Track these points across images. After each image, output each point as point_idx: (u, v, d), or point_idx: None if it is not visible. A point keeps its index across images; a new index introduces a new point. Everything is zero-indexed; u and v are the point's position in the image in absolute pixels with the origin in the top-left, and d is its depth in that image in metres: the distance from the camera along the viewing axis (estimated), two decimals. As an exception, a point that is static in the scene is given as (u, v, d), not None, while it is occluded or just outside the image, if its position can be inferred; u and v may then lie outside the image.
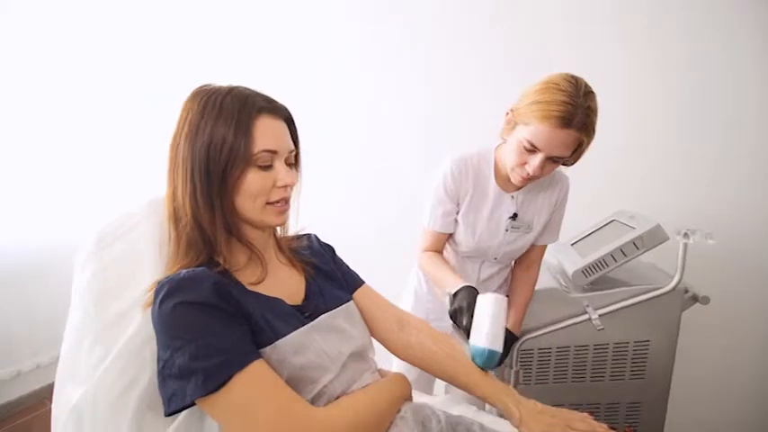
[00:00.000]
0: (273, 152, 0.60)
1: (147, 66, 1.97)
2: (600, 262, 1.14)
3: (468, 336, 0.76)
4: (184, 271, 0.56)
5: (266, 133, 0.60)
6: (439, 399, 0.94)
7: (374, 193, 1.77)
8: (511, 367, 1.21)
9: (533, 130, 0.83)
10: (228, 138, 0.58)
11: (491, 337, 0.72)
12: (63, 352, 0.65)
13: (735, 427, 1.44)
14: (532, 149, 0.86)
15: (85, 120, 2.02)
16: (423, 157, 1.67)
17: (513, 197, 1.02)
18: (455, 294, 0.85)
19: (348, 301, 0.73)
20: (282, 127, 0.63)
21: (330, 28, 1.72)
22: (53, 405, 0.63)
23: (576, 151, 0.88)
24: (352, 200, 1.79)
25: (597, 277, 1.16)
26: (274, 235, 0.72)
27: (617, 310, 1.13)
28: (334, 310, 0.68)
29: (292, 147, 0.64)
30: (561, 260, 1.35)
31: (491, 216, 1.03)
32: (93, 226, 0.71)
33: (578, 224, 1.41)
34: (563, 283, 1.25)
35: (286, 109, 0.65)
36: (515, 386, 1.23)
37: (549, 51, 1.50)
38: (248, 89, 0.62)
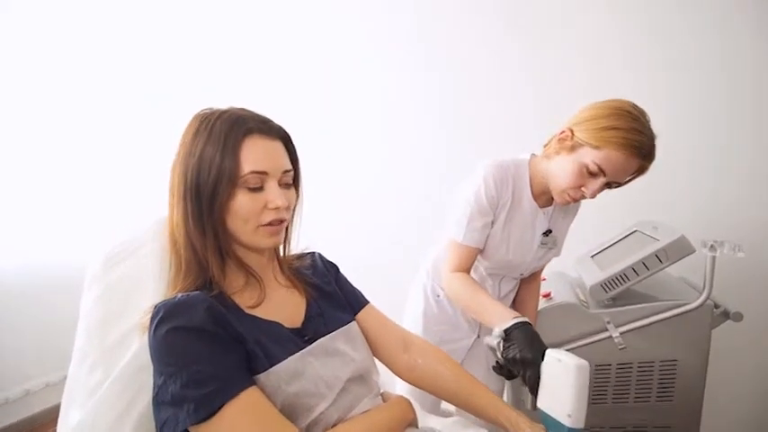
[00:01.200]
0: (263, 173, 0.60)
1: (152, 78, 1.97)
2: (621, 276, 1.08)
3: (530, 391, 0.71)
4: (180, 295, 0.56)
5: (254, 154, 0.59)
6: (449, 420, 0.90)
7: (376, 205, 1.74)
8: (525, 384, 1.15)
9: (606, 155, 0.81)
10: (215, 160, 0.57)
11: (577, 415, 0.63)
12: (69, 374, 0.66)
13: None
14: (597, 174, 0.84)
15: (95, 137, 2.01)
16: (428, 169, 1.66)
17: (545, 213, 0.99)
18: (508, 331, 0.78)
19: (350, 322, 0.71)
20: (276, 147, 0.62)
21: (332, 31, 1.72)
22: (58, 427, 0.64)
23: (631, 178, 0.87)
24: (350, 213, 1.76)
25: (618, 292, 1.09)
26: (276, 255, 0.72)
27: (640, 327, 1.07)
28: (333, 333, 0.67)
29: (287, 167, 0.63)
30: (581, 273, 1.29)
31: (526, 230, 0.98)
32: (102, 245, 0.73)
33: (599, 235, 1.35)
34: (582, 298, 1.19)
35: (282, 129, 0.64)
36: (534, 409, 1.17)
37: (557, 53, 1.47)
38: (244, 110, 0.62)
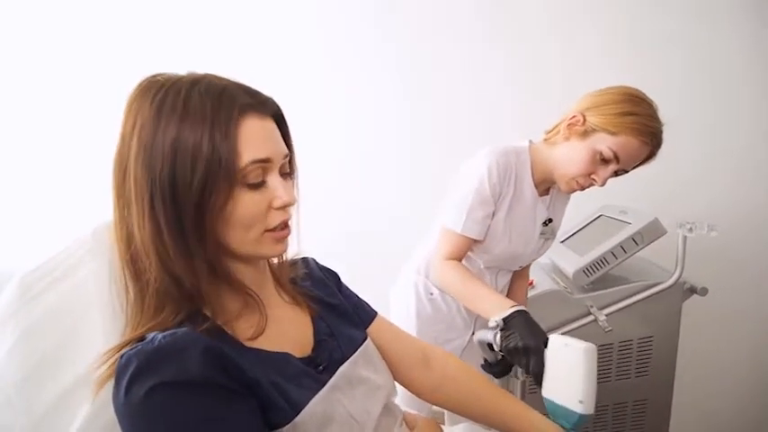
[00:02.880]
0: (266, 161, 0.45)
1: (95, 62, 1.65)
2: (601, 260, 1.10)
3: (535, 380, 0.66)
4: (160, 336, 0.40)
5: (254, 139, 0.44)
6: (459, 427, 0.84)
7: (357, 201, 1.63)
8: (517, 377, 1.13)
9: (623, 141, 0.79)
10: (203, 148, 0.41)
11: (588, 400, 0.59)
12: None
13: (737, 419, 1.48)
14: (610, 160, 0.80)
15: (32, 127, 1.65)
16: (407, 163, 1.59)
17: (543, 201, 0.95)
18: (506, 320, 0.72)
19: (364, 340, 0.60)
20: (272, 127, 0.48)
21: (312, 29, 1.57)
22: None
23: (636, 166, 0.85)
24: (329, 213, 1.63)
25: (598, 276, 1.12)
26: (269, 265, 0.57)
27: (621, 308, 1.10)
28: (352, 357, 0.55)
29: (286, 150, 0.49)
30: (554, 259, 1.31)
31: (527, 221, 0.93)
32: (18, 267, 0.52)
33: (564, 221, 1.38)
34: (561, 284, 1.20)
35: (274, 102, 0.49)
36: (522, 397, 1.16)
37: (534, 48, 1.47)
38: (220, 78, 0.46)
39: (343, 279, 0.68)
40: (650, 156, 0.83)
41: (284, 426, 0.42)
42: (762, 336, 1.44)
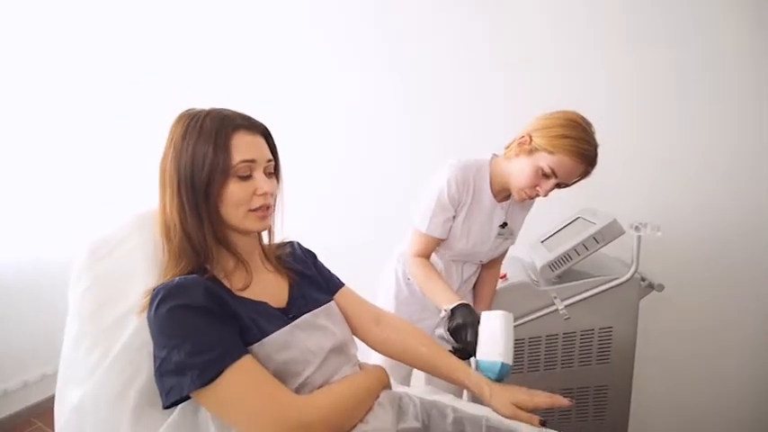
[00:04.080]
0: (251, 161, 0.67)
1: (135, 79, 1.99)
2: (564, 256, 1.23)
3: (470, 351, 0.84)
4: (177, 278, 0.62)
5: (243, 146, 0.66)
6: (418, 390, 1.01)
7: (348, 197, 1.82)
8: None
9: (559, 160, 0.95)
10: (209, 154, 0.64)
11: (506, 352, 0.78)
12: (62, 358, 0.70)
13: (696, 405, 1.55)
14: (550, 176, 0.97)
15: (76, 133, 2.03)
16: (403, 162, 1.73)
17: (502, 207, 1.12)
18: (452, 311, 0.91)
19: (329, 302, 0.80)
20: (259, 141, 0.70)
21: (311, 30, 1.76)
22: (55, 409, 0.68)
23: (576, 181, 1.01)
24: (326, 203, 1.83)
25: (563, 270, 1.25)
26: (260, 244, 0.79)
27: (581, 300, 1.22)
28: (315, 311, 0.75)
29: (270, 156, 0.71)
30: (533, 257, 1.44)
31: (484, 224, 1.11)
32: (85, 241, 0.77)
33: (550, 222, 1.50)
34: (533, 278, 1.34)
35: (263, 125, 0.72)
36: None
37: (532, 51, 1.54)
38: (227, 110, 0.69)
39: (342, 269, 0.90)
40: (585, 173, 0.98)
41: (254, 344, 0.63)
42: (720, 330, 1.51)
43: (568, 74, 1.52)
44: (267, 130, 0.73)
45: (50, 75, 1.94)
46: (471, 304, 1.00)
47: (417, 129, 1.72)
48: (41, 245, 1.92)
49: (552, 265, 1.25)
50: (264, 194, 0.68)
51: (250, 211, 0.68)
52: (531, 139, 0.98)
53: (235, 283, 0.69)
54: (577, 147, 0.93)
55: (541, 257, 1.31)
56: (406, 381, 1.25)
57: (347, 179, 1.83)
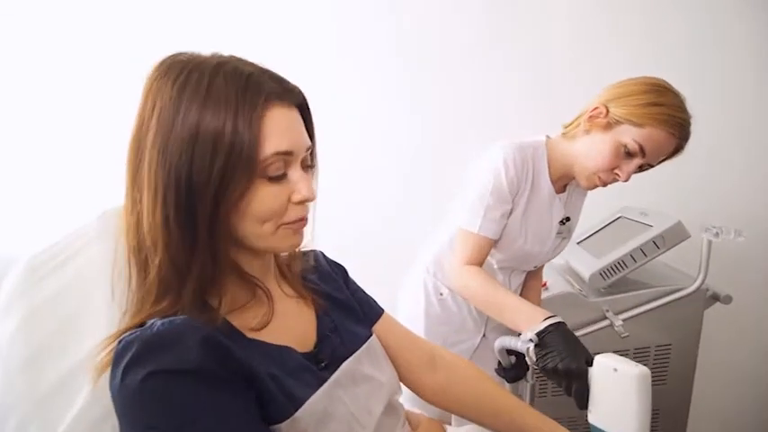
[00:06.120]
0: (288, 154, 0.44)
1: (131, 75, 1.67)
2: (619, 263, 1.06)
3: (579, 405, 0.63)
4: (159, 323, 0.39)
5: (278, 130, 0.43)
6: (464, 429, 0.82)
7: (359, 196, 1.62)
8: (526, 381, 1.11)
9: (649, 134, 0.75)
10: (226, 136, 0.40)
11: (643, 429, 0.56)
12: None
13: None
14: (635, 154, 0.76)
15: (72, 127, 1.66)
16: (409, 161, 1.58)
17: (560, 199, 0.91)
18: (541, 335, 0.69)
19: (369, 337, 0.58)
20: (296, 118, 0.46)
21: (316, 27, 1.57)
22: None
23: (662, 160, 0.82)
24: (336, 203, 1.63)
25: (616, 279, 1.07)
26: (275, 259, 0.56)
27: (638, 314, 1.05)
28: (356, 354, 0.53)
29: (309, 142, 0.48)
30: (570, 260, 1.27)
31: (543, 219, 0.90)
32: (25, 250, 0.52)
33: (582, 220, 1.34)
34: (576, 286, 1.16)
35: (300, 92, 0.48)
36: (531, 402, 1.13)
37: (545, 48, 1.44)
38: (246, 62, 0.45)
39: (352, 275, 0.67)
40: (677, 149, 0.79)
41: (283, 421, 0.41)
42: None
43: (583, 68, 1.41)
44: (305, 99, 0.49)
45: (50, 75, 1.62)
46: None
47: (427, 127, 1.57)
48: (12, 242, 1.58)
49: (604, 273, 1.08)
50: (304, 203, 0.45)
51: (282, 225, 0.45)
52: (607, 111, 0.78)
53: (247, 320, 0.47)
54: (672, 116, 0.74)
55: (587, 263, 1.14)
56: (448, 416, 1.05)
57: (356, 178, 1.63)
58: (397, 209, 1.60)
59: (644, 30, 1.37)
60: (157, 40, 1.58)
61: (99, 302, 0.49)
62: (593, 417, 0.61)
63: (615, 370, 0.59)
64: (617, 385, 0.58)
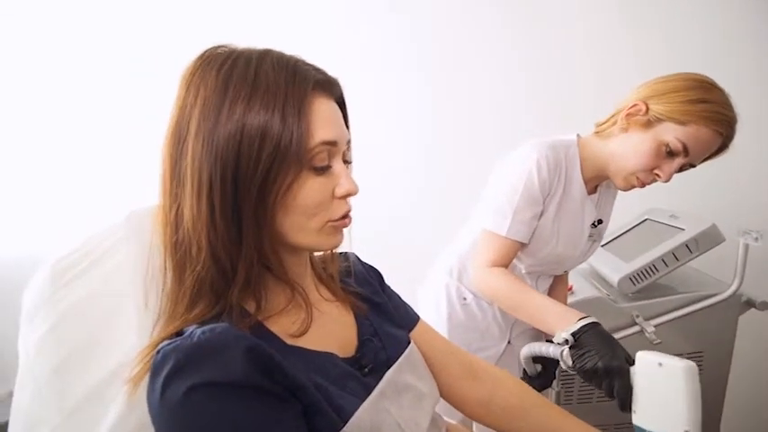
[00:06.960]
0: (332, 144, 0.42)
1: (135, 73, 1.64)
2: (650, 267, 1.03)
3: (621, 407, 0.59)
4: (199, 331, 0.36)
5: (324, 119, 0.41)
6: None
7: (382, 201, 1.60)
8: (552, 388, 1.07)
9: (693, 132, 0.71)
10: (274, 126, 0.38)
11: (696, 428, 0.53)
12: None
13: None
14: (677, 153, 0.73)
15: (76, 127, 1.67)
16: (423, 161, 1.55)
17: (591, 200, 0.87)
18: (576, 336, 0.65)
19: (408, 343, 0.55)
20: (338, 109, 0.45)
21: (330, 27, 1.55)
22: None
23: (704, 160, 0.78)
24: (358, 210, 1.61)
25: (646, 284, 1.04)
26: (311, 259, 0.53)
27: (669, 320, 1.02)
28: (397, 362, 0.50)
29: (349, 135, 0.46)
30: (595, 264, 1.23)
31: (575, 221, 0.86)
32: (51, 254, 0.50)
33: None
34: (603, 291, 1.13)
35: (339, 84, 0.46)
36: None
37: (561, 49, 1.41)
38: (287, 54, 0.43)
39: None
40: (721, 148, 0.75)
41: (331, 437, 0.38)
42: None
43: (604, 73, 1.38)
44: (342, 90, 0.47)
45: (50, 75, 1.63)
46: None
47: (441, 128, 1.54)
48: (40, 242, 1.56)
49: (634, 277, 1.04)
50: (347, 197, 0.44)
51: (329, 222, 0.43)
52: (647, 108, 0.74)
53: (286, 326, 0.44)
54: (719, 113, 0.70)
55: (616, 268, 1.10)
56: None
57: (370, 178, 1.60)
58: (411, 209, 1.58)
59: (663, 31, 1.35)
60: (180, 44, 1.56)
61: (129, 308, 0.46)
62: (638, 417, 0.57)
63: (660, 365, 0.55)
64: (664, 380, 0.54)
